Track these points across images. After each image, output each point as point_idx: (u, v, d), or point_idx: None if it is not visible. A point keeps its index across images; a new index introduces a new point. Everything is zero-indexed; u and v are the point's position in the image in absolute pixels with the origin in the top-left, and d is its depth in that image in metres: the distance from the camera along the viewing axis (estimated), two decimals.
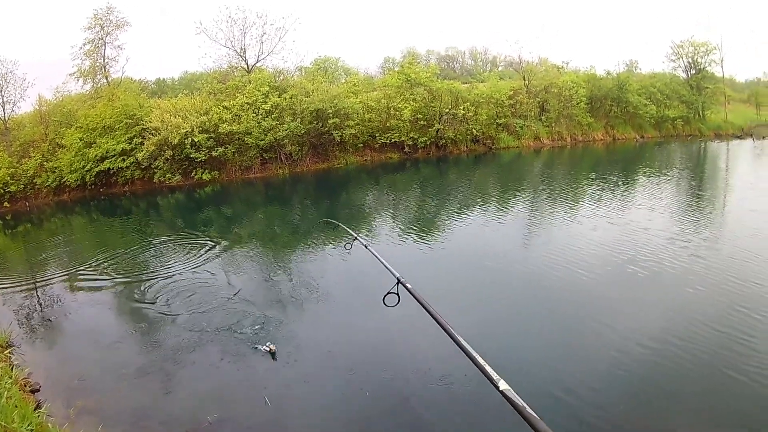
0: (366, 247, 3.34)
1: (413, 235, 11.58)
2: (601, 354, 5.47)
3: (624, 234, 10.31)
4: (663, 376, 4.98)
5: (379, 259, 2.69)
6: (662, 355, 5.37)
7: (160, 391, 5.51)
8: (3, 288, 10.59)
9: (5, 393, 4.88)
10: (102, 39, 28.18)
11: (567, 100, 30.50)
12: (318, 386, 5.30)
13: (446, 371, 5.24)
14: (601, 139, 32.12)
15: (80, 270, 11.21)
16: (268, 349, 6.03)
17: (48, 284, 10.48)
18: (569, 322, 6.34)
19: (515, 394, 1.18)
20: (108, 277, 10.43)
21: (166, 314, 7.78)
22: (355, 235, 3.78)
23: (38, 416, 4.79)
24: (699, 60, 36.44)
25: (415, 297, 1.98)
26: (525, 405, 1.13)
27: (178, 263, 10.78)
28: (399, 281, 2.23)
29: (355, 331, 6.73)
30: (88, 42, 28.08)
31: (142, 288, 9.31)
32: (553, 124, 30.69)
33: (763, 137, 33.21)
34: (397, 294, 2.19)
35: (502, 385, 1.24)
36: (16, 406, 4.71)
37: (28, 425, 4.44)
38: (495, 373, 1.30)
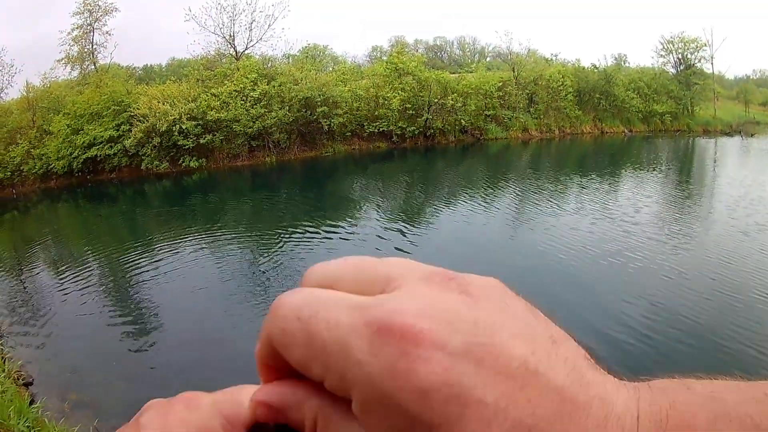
0: None
1: (399, 226, 11.62)
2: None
3: (609, 228, 10.46)
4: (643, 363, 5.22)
5: None
6: (643, 342, 5.67)
7: (156, 385, 5.41)
8: None
9: None
10: (91, 25, 28.13)
11: (555, 92, 30.67)
12: None
13: None
14: (589, 132, 32.29)
15: (68, 260, 11.11)
16: None
17: (36, 274, 10.37)
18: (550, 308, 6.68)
19: None
20: (98, 268, 10.33)
21: (161, 306, 7.67)
22: None
23: (34, 411, 4.55)
24: (689, 56, 36.60)
25: None
26: None
27: (170, 253, 10.60)
28: None
29: None
30: (77, 28, 28.02)
31: (135, 279, 9.21)
32: (542, 117, 30.86)
33: (751, 134, 33.60)
34: None
35: None
36: (11, 401, 4.48)
37: (25, 421, 4.22)
38: None
